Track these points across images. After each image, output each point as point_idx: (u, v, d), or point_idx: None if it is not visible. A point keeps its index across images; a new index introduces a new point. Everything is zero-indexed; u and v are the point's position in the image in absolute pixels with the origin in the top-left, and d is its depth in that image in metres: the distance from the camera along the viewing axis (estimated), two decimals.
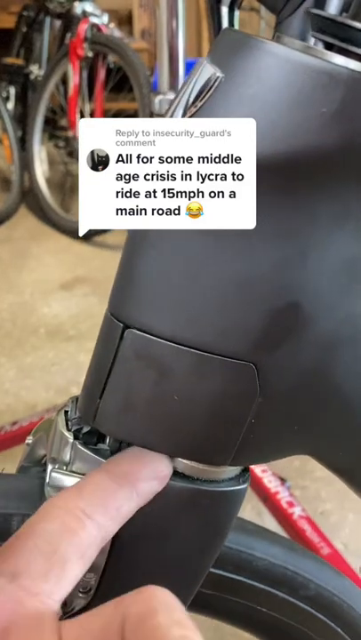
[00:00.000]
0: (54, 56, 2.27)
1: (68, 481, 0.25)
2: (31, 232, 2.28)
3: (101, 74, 2.16)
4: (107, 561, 0.25)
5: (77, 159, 2.38)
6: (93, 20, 2.08)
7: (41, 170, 2.32)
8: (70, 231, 2.20)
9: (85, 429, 0.26)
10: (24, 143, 2.38)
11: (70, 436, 0.25)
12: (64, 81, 2.25)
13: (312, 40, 0.21)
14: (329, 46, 0.20)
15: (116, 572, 0.26)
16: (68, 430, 0.26)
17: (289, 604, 0.34)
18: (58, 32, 2.34)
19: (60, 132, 2.39)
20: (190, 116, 0.20)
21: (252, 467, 1.12)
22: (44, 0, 2.34)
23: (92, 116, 2.23)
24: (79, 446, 0.25)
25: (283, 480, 1.03)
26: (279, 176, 0.19)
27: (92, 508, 0.21)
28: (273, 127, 0.19)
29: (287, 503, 0.97)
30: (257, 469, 1.03)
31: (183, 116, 0.20)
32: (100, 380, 0.24)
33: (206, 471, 0.26)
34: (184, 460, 0.25)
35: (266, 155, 0.19)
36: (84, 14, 2.10)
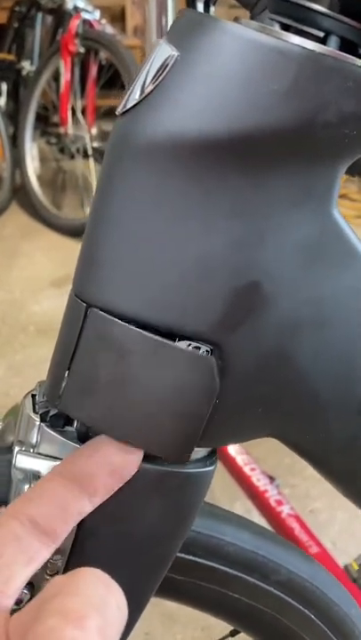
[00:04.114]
0: (46, 52, 2.26)
1: (35, 463, 0.25)
2: (22, 229, 2.27)
3: (93, 70, 2.16)
4: (73, 543, 0.26)
5: (69, 156, 2.38)
6: (85, 15, 2.08)
7: (32, 167, 2.32)
8: (61, 228, 2.19)
9: (52, 412, 0.26)
10: (15, 140, 2.37)
11: (37, 419, 0.26)
12: (56, 78, 2.24)
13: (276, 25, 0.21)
14: (286, 27, 0.20)
15: (82, 554, 0.26)
16: (35, 413, 0.26)
17: (260, 590, 0.34)
18: (50, 28, 2.34)
19: (51, 128, 2.39)
20: (146, 96, 0.20)
21: (240, 465, 1.11)
22: None
23: (83, 112, 2.23)
24: (46, 429, 0.25)
25: (271, 478, 1.03)
26: (235, 154, 0.20)
27: (41, 513, 0.21)
28: (227, 105, 0.19)
29: (276, 502, 0.97)
30: (246, 467, 1.03)
31: (140, 95, 0.20)
32: (65, 362, 0.24)
33: None
34: None
35: (221, 132, 0.19)
36: (76, 10, 2.10)
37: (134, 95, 0.20)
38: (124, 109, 0.20)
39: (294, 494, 1.21)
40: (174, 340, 0.25)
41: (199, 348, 0.25)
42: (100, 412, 0.23)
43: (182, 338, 0.24)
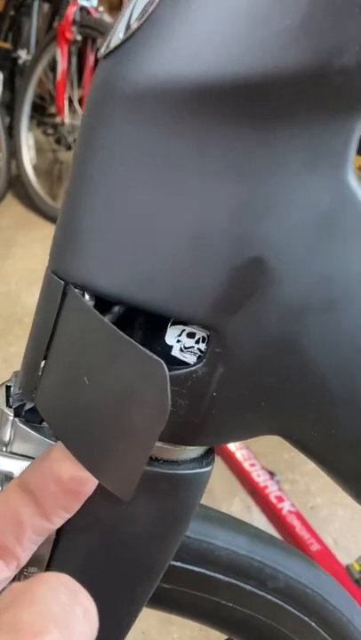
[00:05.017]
0: (42, 40, 2.22)
1: (7, 463, 0.22)
2: (18, 220, 2.24)
3: (90, 59, 2.11)
4: (51, 554, 0.23)
5: (66, 147, 2.35)
6: (82, 2, 2.03)
7: (28, 157, 2.28)
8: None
9: (28, 406, 0.23)
10: (11, 130, 2.33)
11: (10, 414, 0.23)
12: (53, 67, 2.20)
13: None
14: None
15: (62, 565, 0.23)
16: (9, 407, 0.23)
17: (257, 598, 0.31)
18: (46, 15, 2.29)
19: (48, 118, 2.35)
20: (131, 35, 0.17)
21: (240, 460, 1.09)
22: None
23: (80, 102, 2.18)
24: (20, 425, 0.23)
25: (272, 474, 1.01)
26: (238, 103, 0.17)
27: None
28: (230, 44, 0.16)
29: (276, 498, 0.95)
30: (245, 463, 1.00)
31: (125, 34, 0.17)
32: (41, 349, 0.21)
33: (165, 450, 0.23)
34: None
35: (221, 77, 0.16)
36: None
37: (118, 34, 0.17)
38: (107, 51, 0.17)
39: (294, 490, 1.19)
40: (166, 325, 0.22)
41: (194, 334, 0.22)
42: (61, 415, 0.20)
43: (176, 322, 0.22)
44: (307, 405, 0.23)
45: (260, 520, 1.02)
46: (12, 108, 2.40)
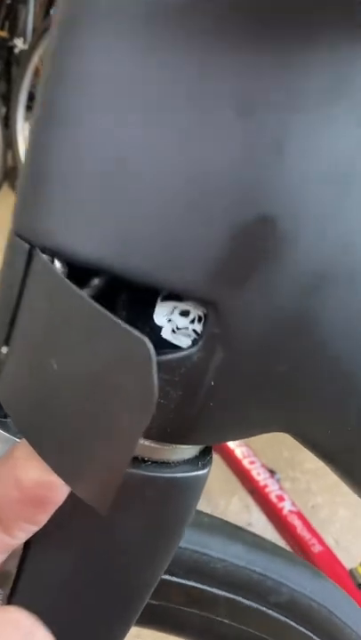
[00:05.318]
0: (39, 28, 2.18)
1: None
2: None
3: None
4: (19, 572, 0.19)
5: None
6: None
7: (24, 148, 2.24)
8: None
9: None
10: (7, 120, 2.29)
11: None
12: None
13: None
14: None
15: (31, 587, 0.20)
16: None
17: (257, 614, 0.28)
18: (43, 3, 2.25)
19: None
20: None
21: (239, 458, 1.06)
22: None
23: None
24: None
25: (272, 472, 0.98)
26: (252, 6, 0.13)
27: None
28: None
29: (277, 497, 0.91)
30: (245, 461, 0.97)
31: None
32: (2, 330, 0.17)
33: (153, 450, 0.19)
34: None
35: None
36: None
37: None
38: None
39: (294, 489, 1.16)
40: (155, 302, 0.18)
41: (188, 312, 0.18)
42: (26, 408, 0.17)
43: (167, 298, 0.18)
44: (321, 398, 0.20)
45: (259, 519, 0.99)
46: (8, 98, 2.37)
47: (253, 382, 0.18)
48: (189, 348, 0.17)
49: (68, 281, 0.16)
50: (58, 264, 0.16)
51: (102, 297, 0.18)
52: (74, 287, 0.15)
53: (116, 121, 0.14)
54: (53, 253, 0.16)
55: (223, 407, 0.18)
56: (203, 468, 0.20)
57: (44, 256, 0.16)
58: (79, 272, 0.17)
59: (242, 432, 0.20)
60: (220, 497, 1.05)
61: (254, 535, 0.31)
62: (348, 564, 0.82)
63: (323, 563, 0.80)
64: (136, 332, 0.14)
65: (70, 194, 0.15)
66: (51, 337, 0.16)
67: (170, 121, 0.14)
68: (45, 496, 0.16)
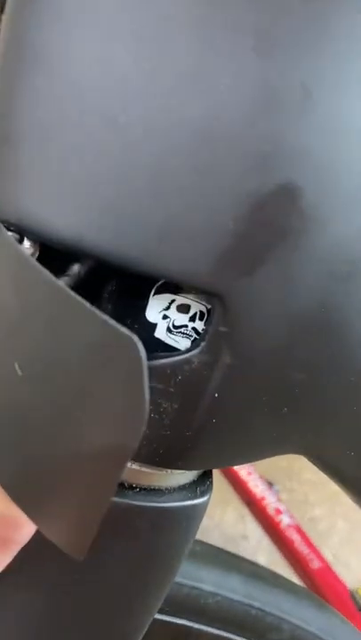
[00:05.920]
0: None
1: None
2: None
3: None
4: None
5: None
6: None
7: None
8: None
9: None
10: None
11: None
12: None
13: None
14: None
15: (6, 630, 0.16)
16: None
17: None
18: None
19: None
20: None
21: (235, 467, 1.03)
22: None
23: None
24: None
25: (270, 483, 0.95)
26: None
27: None
28: None
29: (275, 510, 0.88)
30: (242, 471, 0.94)
31: None
32: None
33: (143, 475, 0.16)
34: None
35: None
36: None
37: None
38: None
39: (292, 500, 1.13)
40: (148, 294, 0.15)
41: (188, 307, 0.15)
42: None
43: (162, 290, 0.15)
44: (346, 414, 0.17)
45: (254, 531, 0.96)
46: None
47: (265, 393, 0.15)
48: (189, 350, 0.14)
49: (38, 264, 0.12)
50: (27, 243, 0.13)
51: (83, 287, 0.15)
52: (45, 272, 0.12)
53: (101, 52, 0.11)
54: (21, 230, 0.13)
55: (228, 424, 0.15)
56: (201, 495, 0.17)
57: (9, 233, 0.13)
58: (55, 256, 0.14)
59: (249, 454, 0.17)
60: (215, 507, 1.02)
61: (251, 563, 0.28)
62: (348, 578, 0.79)
63: (321, 581, 0.77)
64: (123, 329, 0.11)
65: (42, 153, 0.12)
66: (15, 335, 0.13)
67: (171, 55, 0.11)
68: (8, 535, 0.13)
